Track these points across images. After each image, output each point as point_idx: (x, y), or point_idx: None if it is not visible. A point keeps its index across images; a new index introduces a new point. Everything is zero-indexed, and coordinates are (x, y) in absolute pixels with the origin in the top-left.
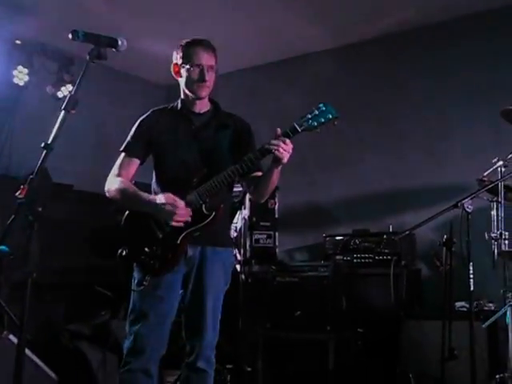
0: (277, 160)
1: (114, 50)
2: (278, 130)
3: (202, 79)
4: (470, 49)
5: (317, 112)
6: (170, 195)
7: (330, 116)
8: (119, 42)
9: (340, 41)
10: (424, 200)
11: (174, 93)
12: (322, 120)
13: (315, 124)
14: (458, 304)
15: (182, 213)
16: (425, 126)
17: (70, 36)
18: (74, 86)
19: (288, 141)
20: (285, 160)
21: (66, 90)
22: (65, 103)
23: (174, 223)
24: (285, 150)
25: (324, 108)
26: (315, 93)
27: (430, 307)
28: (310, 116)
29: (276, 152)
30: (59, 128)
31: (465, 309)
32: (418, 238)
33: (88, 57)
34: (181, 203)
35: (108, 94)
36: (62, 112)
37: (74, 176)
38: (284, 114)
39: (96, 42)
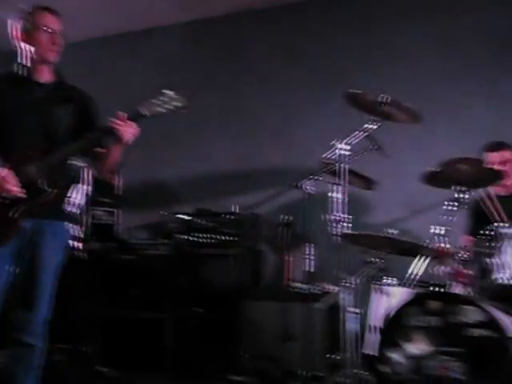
0: (118, 139)
1: None
2: (120, 113)
3: (54, 43)
4: (318, 31)
5: (164, 99)
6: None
7: (178, 104)
8: None
9: (188, 15)
10: (270, 181)
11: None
12: (170, 107)
13: (161, 110)
14: (299, 285)
15: (14, 189)
16: (273, 107)
17: None
18: None
19: (132, 123)
20: (127, 141)
21: None
22: None
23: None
24: (127, 130)
25: (172, 95)
26: (161, 68)
27: (271, 288)
28: (157, 102)
29: (118, 132)
30: None
31: (302, 290)
32: (262, 219)
33: None
34: (12, 178)
35: None
36: None
37: None
38: (130, 88)
39: None
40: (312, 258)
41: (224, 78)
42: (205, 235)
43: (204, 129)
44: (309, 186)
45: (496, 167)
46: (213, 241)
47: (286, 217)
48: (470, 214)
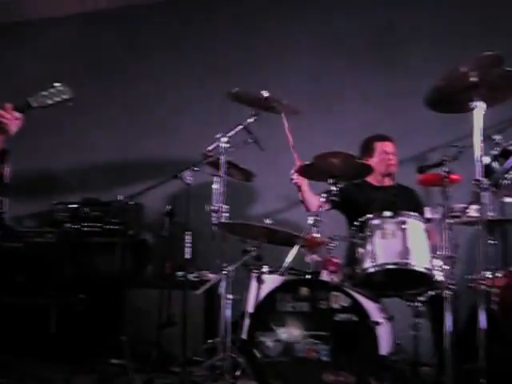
0: (2, 130)
1: None
2: (6, 104)
3: None
4: (204, 27)
5: (53, 91)
6: None
7: (66, 97)
8: None
9: (75, 7)
10: (155, 172)
11: None
12: (57, 99)
13: (50, 102)
14: (180, 273)
15: None
16: (158, 99)
17: None
18: None
19: (17, 113)
20: (11, 131)
21: None
22: None
23: None
24: (12, 121)
25: (61, 88)
26: (48, 59)
27: (154, 276)
28: (45, 93)
29: (2, 123)
30: None
31: (184, 278)
32: (147, 208)
33: None
34: None
35: None
36: None
37: None
38: (16, 79)
39: None
40: (192, 246)
41: (111, 70)
42: (91, 224)
43: (91, 119)
44: (189, 177)
45: (392, 156)
46: (98, 230)
47: (169, 206)
48: (347, 206)
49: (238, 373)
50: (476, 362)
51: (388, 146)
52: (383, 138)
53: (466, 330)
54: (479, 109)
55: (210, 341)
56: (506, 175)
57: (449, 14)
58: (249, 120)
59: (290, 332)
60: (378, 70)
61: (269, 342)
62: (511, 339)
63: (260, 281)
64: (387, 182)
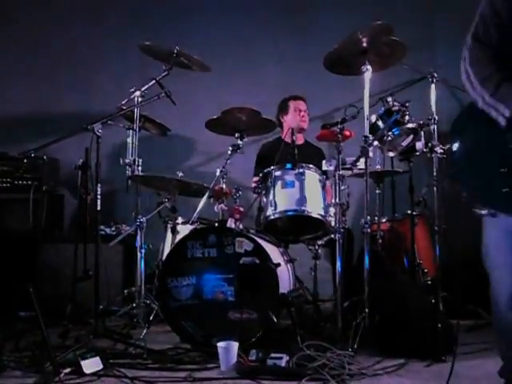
0: None
1: None
2: None
3: None
4: None
5: None
6: None
7: None
8: None
9: None
10: (68, 126)
11: None
12: None
13: None
14: (97, 227)
15: None
16: (72, 53)
17: None
18: None
19: None
20: None
21: None
22: None
23: None
24: None
25: None
26: None
27: (71, 230)
28: None
29: None
30: None
31: (103, 232)
32: (63, 163)
33: None
34: None
35: None
36: None
37: None
38: None
39: None
40: (109, 200)
41: (26, 25)
42: (2, 180)
43: (1, 72)
44: (99, 129)
45: (303, 113)
46: (9, 185)
47: (83, 160)
48: (259, 157)
49: (151, 318)
50: (362, 295)
51: (300, 105)
52: (296, 98)
53: (357, 268)
54: (368, 72)
55: (126, 291)
56: (389, 132)
57: None
58: (162, 74)
59: (198, 276)
60: (290, 32)
61: (180, 286)
62: (392, 275)
63: (174, 231)
64: (299, 139)
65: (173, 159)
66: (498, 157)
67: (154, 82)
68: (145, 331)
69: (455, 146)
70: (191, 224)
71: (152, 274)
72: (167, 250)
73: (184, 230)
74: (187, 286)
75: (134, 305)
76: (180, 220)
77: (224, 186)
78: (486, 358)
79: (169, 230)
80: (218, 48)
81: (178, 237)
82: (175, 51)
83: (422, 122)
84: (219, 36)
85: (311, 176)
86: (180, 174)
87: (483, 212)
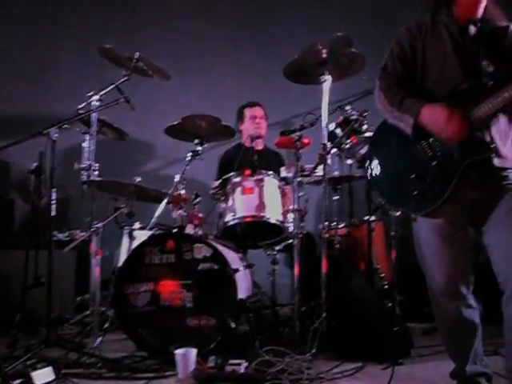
0: None
1: None
2: None
3: None
4: None
5: None
6: None
7: None
8: None
9: None
10: (24, 129)
11: None
12: None
13: None
14: (50, 232)
15: None
16: (30, 56)
17: None
18: None
19: None
20: None
21: None
22: None
23: None
24: None
25: None
26: None
27: (23, 236)
28: None
29: None
30: None
31: (56, 238)
32: (14, 167)
33: None
34: None
35: None
36: None
37: None
38: None
39: None
40: (63, 205)
41: None
42: None
43: None
44: (55, 134)
45: (258, 120)
46: None
47: (36, 164)
48: (221, 164)
49: (106, 325)
50: (319, 299)
51: (256, 111)
52: (252, 105)
53: (315, 273)
54: (327, 82)
55: (78, 298)
56: (347, 140)
57: None
58: (121, 80)
59: (155, 283)
60: (250, 39)
61: (137, 293)
62: (349, 279)
63: (131, 237)
64: (259, 144)
65: (131, 164)
66: (407, 165)
67: (112, 86)
68: (99, 339)
69: (373, 148)
70: (149, 230)
71: (107, 280)
72: (123, 255)
73: (141, 235)
74: (144, 292)
75: (88, 312)
76: (137, 225)
77: (183, 192)
78: (442, 360)
79: (125, 236)
80: (178, 54)
81: (135, 242)
82: (135, 57)
83: None
84: (180, 42)
85: (270, 182)
86: (138, 179)
87: (398, 213)
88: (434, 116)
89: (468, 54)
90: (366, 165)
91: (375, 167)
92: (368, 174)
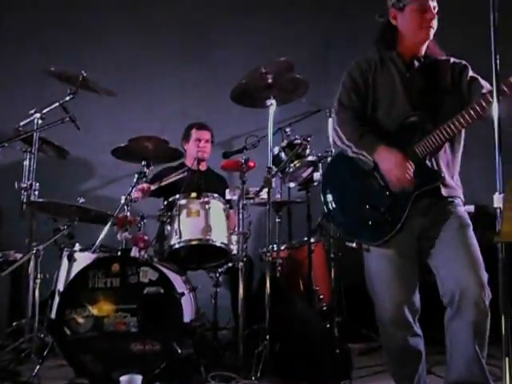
0: None
1: None
2: None
3: None
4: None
5: None
6: None
7: None
8: None
9: None
10: None
11: None
12: None
13: None
14: None
15: None
16: None
17: None
18: None
19: None
20: None
21: None
22: None
23: None
24: None
25: None
26: None
27: None
28: None
29: None
30: None
31: None
32: None
33: None
34: None
35: None
36: None
37: None
38: None
39: None
40: None
41: None
42: None
43: None
44: None
45: (203, 143)
46: None
47: None
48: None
49: (45, 352)
50: (263, 322)
51: (202, 134)
52: (200, 127)
53: (257, 296)
54: (272, 106)
55: (14, 323)
56: (291, 164)
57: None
58: (66, 98)
59: (100, 307)
60: (192, 59)
61: (79, 318)
62: (291, 302)
63: (71, 259)
64: (202, 166)
65: (74, 184)
66: (361, 196)
67: (56, 104)
68: (38, 367)
69: (327, 177)
70: (93, 252)
71: (43, 302)
72: (62, 278)
73: (82, 257)
74: (87, 317)
75: (23, 339)
76: (77, 247)
77: (128, 214)
78: (381, 380)
79: (65, 258)
80: (121, 73)
81: (75, 264)
82: (82, 75)
83: (320, 155)
84: (122, 61)
85: (216, 205)
86: (81, 200)
87: (354, 245)
88: (387, 158)
89: (415, 88)
90: (322, 199)
91: (330, 201)
92: (325, 208)
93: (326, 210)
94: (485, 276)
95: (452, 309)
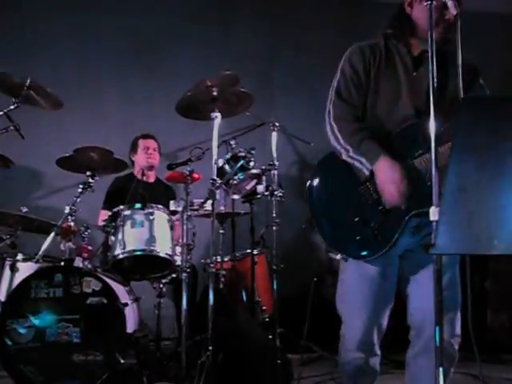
0: None
1: None
2: None
3: None
4: None
5: None
6: None
7: None
8: None
9: None
10: None
11: None
12: None
13: None
14: None
15: None
16: None
17: None
18: None
19: None
20: None
21: None
22: None
23: None
24: None
25: None
26: None
27: None
28: None
29: None
30: None
31: None
32: None
33: None
34: None
35: None
36: None
37: None
38: None
39: None
40: None
41: None
42: None
43: None
44: None
45: (151, 151)
46: None
47: None
48: (109, 192)
49: None
50: (206, 333)
51: (149, 143)
52: (146, 137)
53: (200, 307)
54: (217, 119)
55: None
56: (235, 176)
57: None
58: (11, 107)
59: (42, 318)
60: (138, 70)
61: (21, 329)
62: (234, 313)
63: (14, 269)
64: (151, 177)
65: (17, 193)
66: (352, 207)
67: (0, 113)
68: None
69: (315, 182)
70: (35, 262)
71: None
72: (4, 288)
73: (25, 267)
74: (28, 327)
75: None
76: (20, 257)
77: (72, 224)
78: None
79: (7, 268)
80: (68, 83)
81: (18, 274)
82: (27, 84)
83: (264, 168)
84: (66, 71)
85: (160, 216)
86: (24, 210)
87: (338, 257)
88: (386, 172)
89: (421, 91)
90: (308, 203)
91: (317, 206)
92: (310, 213)
93: (311, 215)
94: (458, 321)
95: (418, 346)
